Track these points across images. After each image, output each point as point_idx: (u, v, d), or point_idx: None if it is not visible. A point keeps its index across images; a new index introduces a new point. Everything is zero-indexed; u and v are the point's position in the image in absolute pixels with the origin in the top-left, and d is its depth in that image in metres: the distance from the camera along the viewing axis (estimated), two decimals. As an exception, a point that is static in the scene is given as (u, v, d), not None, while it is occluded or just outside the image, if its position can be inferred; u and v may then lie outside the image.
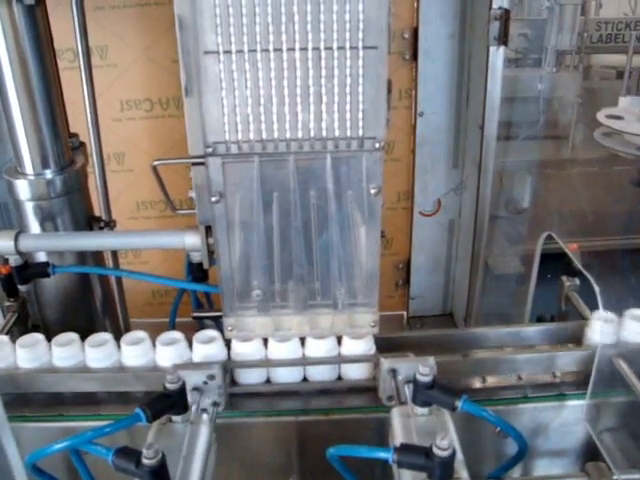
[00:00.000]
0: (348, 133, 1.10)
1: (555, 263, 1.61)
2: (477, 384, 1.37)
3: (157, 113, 2.24)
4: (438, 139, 2.27)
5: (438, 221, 2.44)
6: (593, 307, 1.41)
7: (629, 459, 1.21)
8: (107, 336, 1.33)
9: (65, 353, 1.31)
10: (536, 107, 3.40)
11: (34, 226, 1.55)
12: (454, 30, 2.10)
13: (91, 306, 1.75)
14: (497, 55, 1.89)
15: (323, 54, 1.05)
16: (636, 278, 2.91)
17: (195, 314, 1.50)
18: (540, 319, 1.67)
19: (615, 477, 1.15)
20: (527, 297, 1.81)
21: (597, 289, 1.18)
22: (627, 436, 1.26)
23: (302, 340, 1.31)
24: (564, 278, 1.60)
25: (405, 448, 0.98)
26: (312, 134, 1.10)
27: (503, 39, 1.86)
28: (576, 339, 1.40)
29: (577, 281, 1.59)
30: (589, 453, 1.32)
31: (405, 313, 2.61)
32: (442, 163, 2.32)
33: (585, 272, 1.28)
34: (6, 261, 1.45)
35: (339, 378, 1.34)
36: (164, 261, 2.46)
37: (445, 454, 0.93)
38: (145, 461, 0.93)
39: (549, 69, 3.52)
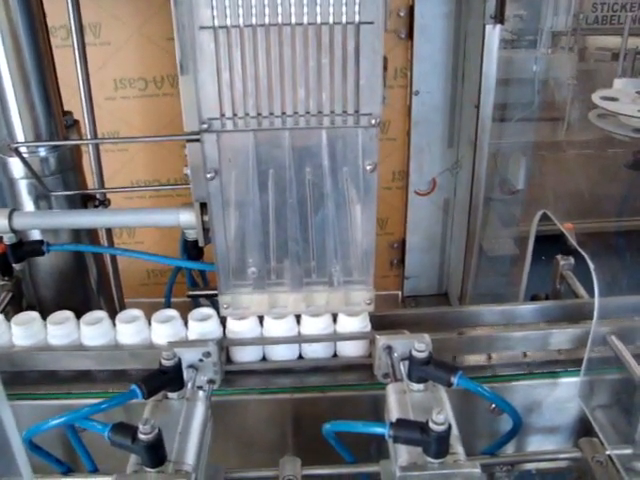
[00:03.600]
0: (344, 109, 1.09)
1: (550, 245, 1.62)
2: (472, 361, 1.38)
3: (151, 92, 2.23)
4: (433, 118, 2.27)
5: (433, 200, 2.44)
6: (587, 286, 1.41)
7: (621, 435, 1.22)
8: (102, 314, 1.33)
9: (60, 331, 1.31)
10: (531, 89, 3.39)
11: (28, 205, 1.54)
12: (450, 8, 2.09)
13: (86, 286, 1.75)
14: (493, 34, 1.89)
15: (319, 29, 1.04)
16: (630, 259, 2.93)
17: (190, 293, 1.50)
18: (535, 298, 1.68)
19: (607, 452, 1.17)
20: (522, 277, 1.81)
21: (592, 266, 1.18)
22: (620, 412, 1.27)
23: (298, 318, 1.32)
24: (559, 257, 1.60)
25: (401, 423, 0.98)
26: (308, 110, 1.10)
27: (499, 17, 1.85)
28: (571, 317, 1.41)
29: (572, 260, 1.60)
30: (582, 429, 1.33)
31: (400, 293, 2.62)
32: (437, 142, 2.32)
33: (580, 250, 1.28)
34: (0, 239, 1.44)
35: (335, 356, 1.34)
36: (159, 240, 2.46)
37: (441, 429, 0.93)
38: (141, 436, 0.93)
39: (545, 50, 3.51)
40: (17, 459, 0.70)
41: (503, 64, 2.75)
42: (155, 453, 0.96)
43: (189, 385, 1.15)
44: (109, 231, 1.87)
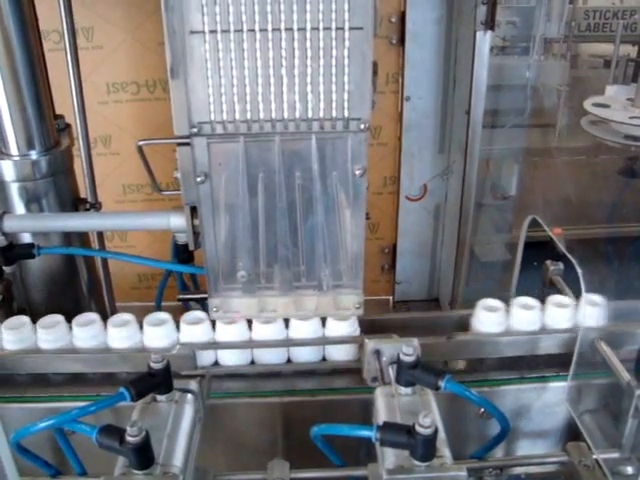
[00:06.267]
0: (333, 114, 1.10)
1: (540, 251, 1.62)
2: (461, 365, 1.39)
3: (144, 96, 2.23)
4: (425, 124, 2.27)
5: (424, 206, 2.45)
6: (576, 291, 1.42)
7: (609, 439, 1.23)
8: (94, 316, 1.33)
9: (50, 335, 1.31)
10: (524, 95, 3.40)
11: (19, 207, 1.54)
12: (441, 14, 2.10)
13: (77, 289, 1.75)
14: (484, 40, 1.89)
15: (309, 34, 1.05)
16: (619, 265, 2.94)
17: (180, 296, 1.50)
18: (524, 303, 1.68)
19: (595, 456, 1.17)
20: (512, 282, 1.82)
21: (580, 272, 1.18)
22: (607, 417, 1.28)
23: (287, 322, 1.32)
24: (548, 262, 1.61)
25: (388, 426, 0.99)
26: (297, 115, 1.10)
27: (490, 24, 1.86)
28: (559, 322, 1.41)
29: (561, 265, 1.60)
30: (570, 434, 1.33)
31: (391, 298, 2.62)
32: (428, 148, 2.32)
33: (568, 255, 1.29)
34: (-10, 242, 1.44)
35: (323, 359, 1.35)
36: (151, 244, 2.45)
37: (427, 432, 0.94)
38: (129, 439, 0.94)
39: (537, 57, 3.52)
40: (2, 461, 0.70)
41: (495, 71, 2.77)
42: (143, 455, 0.96)
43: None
44: (100, 234, 1.87)
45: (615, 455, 1.19)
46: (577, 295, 1.41)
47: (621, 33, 3.55)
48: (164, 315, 1.33)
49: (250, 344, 1.32)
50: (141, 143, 1.26)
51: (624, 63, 3.74)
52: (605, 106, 3.05)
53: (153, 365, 1.10)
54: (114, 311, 1.93)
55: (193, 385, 1.17)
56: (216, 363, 1.33)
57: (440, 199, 2.45)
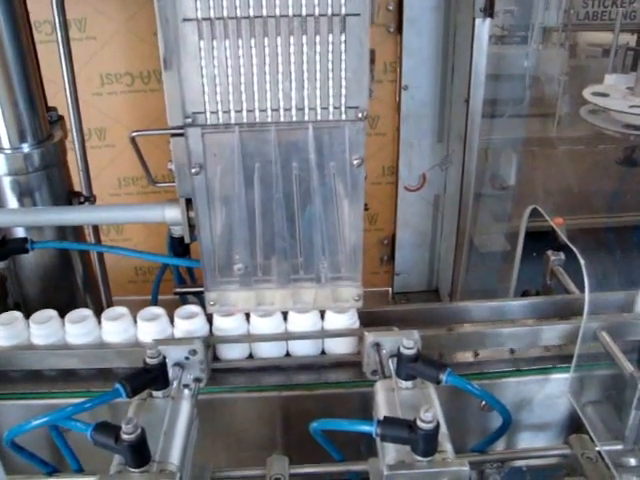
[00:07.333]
0: (330, 102, 1.08)
1: (541, 241, 1.61)
2: (462, 358, 1.37)
3: (138, 87, 2.21)
4: (423, 113, 2.25)
5: (423, 196, 2.43)
6: (578, 282, 1.40)
7: (611, 431, 1.21)
8: (87, 312, 1.31)
9: (43, 330, 1.29)
10: (522, 84, 3.38)
11: (12, 202, 1.52)
12: (439, 1, 2.08)
13: (72, 283, 1.73)
14: (483, 27, 1.87)
15: (304, 21, 1.02)
16: (620, 254, 2.93)
17: (177, 290, 1.48)
18: (525, 294, 1.67)
19: (597, 448, 1.16)
20: (512, 272, 1.80)
21: (582, 262, 1.17)
22: (610, 409, 1.27)
23: (285, 315, 1.30)
24: (549, 252, 1.59)
25: (388, 421, 0.97)
26: (293, 104, 1.08)
27: (489, 11, 1.84)
28: (561, 313, 1.40)
29: (562, 255, 1.59)
30: (572, 426, 1.32)
31: (390, 289, 2.61)
32: (427, 137, 2.30)
33: (570, 245, 1.27)
34: (-17, 237, 1.43)
35: (323, 353, 1.33)
36: (147, 237, 2.44)
37: (429, 427, 0.92)
38: (124, 436, 0.92)
39: (535, 46, 3.49)
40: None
41: (494, 60, 2.75)
42: (138, 453, 0.94)
43: (174, 383, 1.13)
44: (96, 228, 1.85)
45: (618, 447, 1.18)
46: (579, 286, 1.39)
47: (620, 21, 3.53)
48: (158, 309, 1.31)
49: (248, 338, 1.30)
50: (134, 134, 1.24)
51: (623, 52, 3.72)
52: (604, 95, 3.03)
53: (149, 360, 1.08)
54: (111, 305, 1.91)
55: (197, 344, 1.18)
56: (214, 357, 1.31)
57: (439, 189, 2.43)
